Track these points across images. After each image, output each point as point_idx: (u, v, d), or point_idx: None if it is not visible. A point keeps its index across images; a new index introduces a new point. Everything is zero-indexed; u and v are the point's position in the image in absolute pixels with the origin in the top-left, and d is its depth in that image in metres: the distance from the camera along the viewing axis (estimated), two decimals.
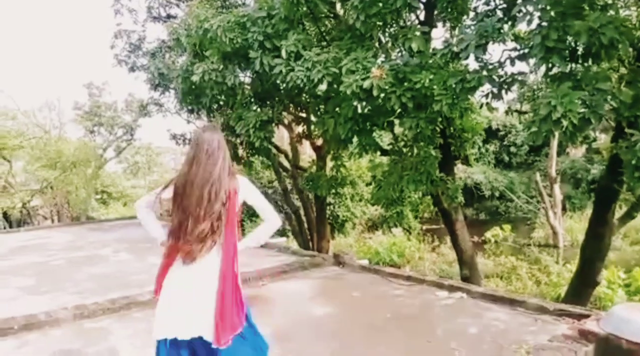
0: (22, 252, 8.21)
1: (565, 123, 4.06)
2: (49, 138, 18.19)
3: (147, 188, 27.76)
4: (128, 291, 4.81)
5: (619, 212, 7.04)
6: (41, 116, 18.92)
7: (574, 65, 4.74)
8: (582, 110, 4.09)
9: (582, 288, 6.96)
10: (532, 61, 4.76)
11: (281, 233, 16.40)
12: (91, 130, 20.06)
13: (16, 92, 43.68)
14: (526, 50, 4.83)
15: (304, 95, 8.52)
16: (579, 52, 4.66)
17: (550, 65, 4.57)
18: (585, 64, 4.70)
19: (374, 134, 7.10)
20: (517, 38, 5.23)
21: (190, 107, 9.71)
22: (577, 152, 21.54)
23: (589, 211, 10.09)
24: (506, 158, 21.71)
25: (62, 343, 3.72)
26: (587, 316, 3.44)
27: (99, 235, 9.91)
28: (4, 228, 16.41)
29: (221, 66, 7.06)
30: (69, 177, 17.28)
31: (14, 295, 5.31)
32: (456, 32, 5.54)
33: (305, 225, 12.58)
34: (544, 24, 4.41)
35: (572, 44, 4.55)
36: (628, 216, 6.59)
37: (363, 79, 5.24)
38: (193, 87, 8.06)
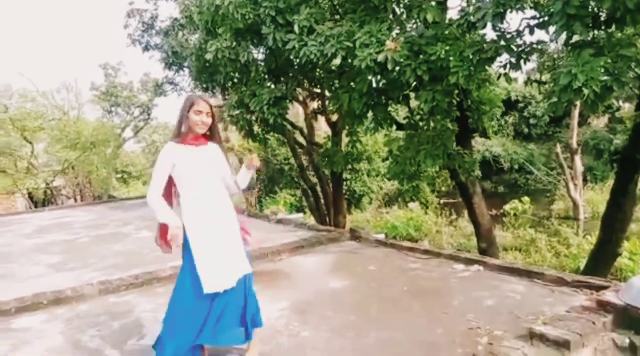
0: (48, 230, 8.46)
1: (586, 92, 3.95)
2: (68, 120, 18.46)
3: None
4: (150, 267, 4.94)
5: None
6: (59, 97, 19.18)
7: (596, 32, 4.58)
8: (605, 78, 3.97)
9: (602, 259, 6.91)
10: (552, 29, 4.60)
11: (298, 209, 16.57)
12: (109, 111, 20.31)
13: (34, 73, 44.21)
14: (546, 18, 4.66)
15: (318, 70, 8.44)
16: (602, 18, 4.49)
17: (571, 33, 4.42)
18: (609, 31, 4.53)
19: (389, 108, 7.02)
20: (536, 5, 5.03)
21: (204, 85, 9.70)
22: (599, 122, 21.01)
23: (610, 182, 9.88)
24: (525, 130, 21.30)
25: (89, 316, 3.86)
26: (606, 287, 3.42)
27: (120, 214, 10.13)
28: (29, 208, 16.88)
29: (234, 43, 7.02)
30: (89, 157, 17.58)
31: (43, 271, 5.50)
32: (473, 0, 5.36)
33: (322, 201, 12.65)
34: None
35: (595, 9, 4.38)
36: None
37: (377, 53, 5.15)
38: (207, 65, 8.06)
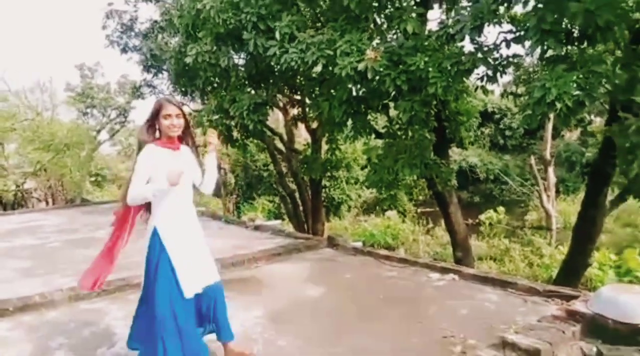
0: (17, 234, 8.20)
1: (559, 105, 4.06)
2: (41, 120, 17.98)
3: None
4: (123, 273, 4.81)
5: (612, 194, 7.10)
6: (33, 98, 18.67)
7: (569, 47, 4.73)
8: (577, 92, 4.09)
9: (573, 269, 7.06)
10: (527, 43, 4.73)
11: (276, 215, 16.50)
12: (84, 112, 19.85)
13: (6, 72, 43.00)
14: (522, 33, 4.80)
15: (299, 77, 8.47)
16: (575, 35, 4.63)
17: (545, 47, 4.55)
18: (581, 47, 4.68)
19: (369, 117, 7.09)
20: (512, 20, 5.20)
21: (183, 89, 9.63)
22: (571, 135, 21.61)
23: (582, 194, 10.18)
24: (501, 142, 21.74)
25: (58, 324, 3.75)
26: (576, 297, 3.50)
27: (93, 218, 9.89)
28: None
29: (214, 47, 6.98)
30: (62, 159, 17.14)
31: (10, 277, 5.32)
32: (452, 13, 5.48)
33: (301, 208, 12.62)
34: (540, 5, 4.38)
35: (568, 26, 4.52)
36: (620, 199, 6.64)
37: (358, 61, 5.20)
38: (186, 68, 7.99)
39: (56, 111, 19.45)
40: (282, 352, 3.10)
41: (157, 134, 2.73)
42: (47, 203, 18.18)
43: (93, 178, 22.99)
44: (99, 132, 20.41)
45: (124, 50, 12.68)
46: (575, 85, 4.08)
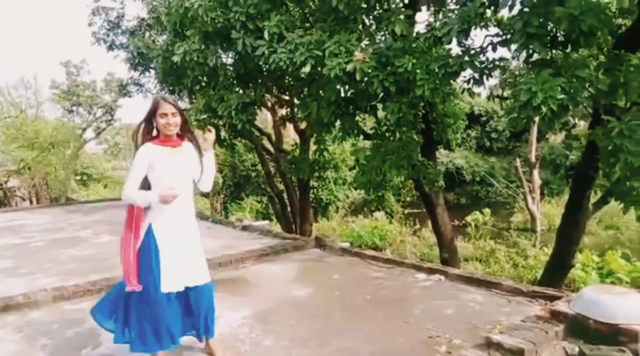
0: (0, 233, 8.06)
1: (544, 109, 4.13)
2: (25, 118, 17.71)
3: (128, 170, 27.38)
4: (109, 273, 4.78)
5: (595, 197, 7.22)
6: (16, 94, 18.39)
7: (554, 51, 4.80)
8: (561, 96, 4.15)
9: (557, 270, 7.16)
10: (513, 47, 4.79)
11: (264, 216, 16.45)
12: (70, 110, 19.61)
13: None
14: (508, 36, 4.85)
15: (287, 77, 8.47)
16: (560, 39, 4.71)
17: (531, 51, 4.62)
18: (565, 51, 4.76)
19: (357, 118, 7.11)
20: (499, 23, 5.25)
21: (171, 88, 9.55)
22: (556, 138, 21.92)
23: (566, 196, 10.32)
24: (487, 144, 21.98)
25: (42, 324, 3.70)
26: (559, 297, 3.55)
27: (79, 217, 9.77)
28: None
29: (203, 46, 6.95)
30: (47, 157, 16.89)
31: None
32: (440, 16, 5.53)
33: (289, 209, 12.62)
34: (526, 9, 4.44)
35: (553, 30, 4.59)
36: (603, 201, 6.75)
37: (346, 62, 5.23)
38: (174, 67, 7.93)
39: (41, 108, 19.21)
40: (268, 352, 3.10)
41: (155, 133, 2.74)
42: (31, 202, 17.90)
43: (78, 177, 22.70)
44: (84, 130, 20.17)
45: (110, 48, 12.54)
46: (560, 89, 4.14)
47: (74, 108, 19.53)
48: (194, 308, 2.85)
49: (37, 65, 41.89)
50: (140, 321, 2.70)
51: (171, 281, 2.70)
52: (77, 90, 19.03)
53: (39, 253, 6.36)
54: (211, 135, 2.91)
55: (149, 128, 2.73)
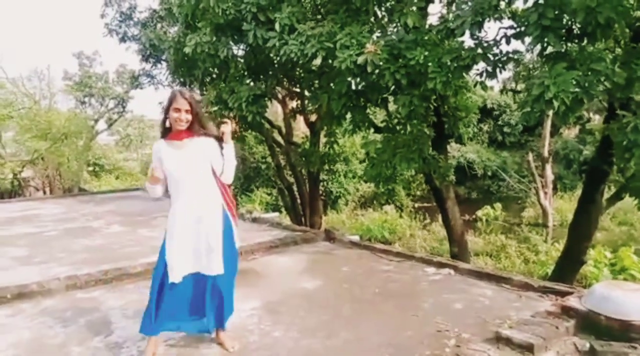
0: (15, 222, 8.19)
1: (557, 103, 4.07)
2: (38, 109, 17.91)
3: (139, 161, 27.61)
4: (120, 263, 4.84)
5: (608, 192, 7.13)
6: (30, 85, 18.60)
7: (569, 44, 4.72)
8: (575, 90, 4.09)
9: (568, 266, 7.11)
10: (527, 40, 4.73)
11: (274, 208, 16.50)
12: (82, 101, 19.78)
13: (3, 59, 42.72)
14: (522, 28, 4.79)
15: (298, 69, 8.44)
16: (575, 32, 4.63)
17: (545, 44, 4.55)
18: (581, 44, 4.68)
19: (368, 111, 7.08)
20: (513, 15, 5.17)
21: (182, 80, 9.58)
22: (570, 133, 21.64)
23: (579, 191, 10.18)
24: (500, 138, 21.74)
25: (55, 312, 3.76)
26: (570, 293, 3.52)
27: (91, 207, 9.89)
28: None
29: (214, 38, 6.95)
30: (60, 148, 17.08)
31: (7, 265, 5.32)
32: (453, 8, 5.46)
33: (298, 201, 12.63)
34: (541, 1, 4.37)
35: (569, 22, 4.52)
36: (616, 197, 6.68)
37: (357, 55, 5.19)
38: (185, 59, 7.95)
39: (54, 100, 19.40)
40: (277, 343, 3.12)
41: (168, 124, 2.80)
42: (44, 192, 18.13)
43: (91, 168, 22.95)
44: (96, 121, 20.36)
45: (122, 39, 12.60)
46: (574, 82, 4.08)
47: (86, 99, 19.71)
48: (206, 297, 2.88)
49: (50, 56, 42.25)
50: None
51: (177, 267, 2.77)
52: (90, 81, 19.18)
53: (52, 243, 6.46)
54: (228, 127, 2.92)
55: (164, 119, 2.83)
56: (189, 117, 2.73)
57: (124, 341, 3.15)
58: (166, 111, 2.78)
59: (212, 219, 2.87)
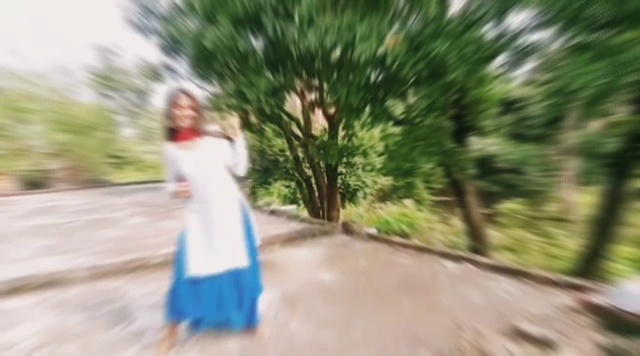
0: (40, 213, 8.41)
1: (582, 95, 3.97)
2: (63, 102, 18.28)
3: (160, 154, 27.97)
4: (141, 253, 4.93)
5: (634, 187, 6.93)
6: (54, 79, 18.96)
7: (595, 35, 4.58)
8: (601, 82, 3.98)
9: (591, 262, 6.96)
10: (552, 30, 4.61)
11: (292, 200, 16.56)
12: (104, 94, 20.11)
13: (28, 54, 43.62)
14: (547, 19, 4.66)
15: (317, 61, 8.39)
16: (602, 21, 4.49)
17: (571, 34, 4.43)
18: (608, 34, 4.54)
19: (387, 103, 7.01)
20: (538, 4, 5.03)
21: (201, 73, 9.63)
22: (594, 126, 21.10)
23: (603, 186, 9.95)
24: (521, 131, 21.32)
25: (78, 301, 3.86)
26: (592, 289, 3.46)
27: (113, 199, 10.09)
28: (21, 190, 16.76)
29: (233, 31, 6.96)
30: (83, 141, 17.45)
31: (33, 254, 5.47)
32: None
33: (316, 194, 12.64)
34: None
35: (596, 12, 4.38)
36: None
37: (377, 46, 5.13)
38: (205, 52, 7.98)
39: (77, 93, 19.74)
40: (294, 334, 3.14)
41: (172, 124, 2.81)
42: (68, 184, 18.54)
43: (113, 161, 23.37)
44: (118, 114, 20.68)
45: (143, 33, 12.71)
46: (600, 74, 3.97)
47: (109, 92, 20.02)
48: (231, 289, 2.92)
49: (72, 49, 42.91)
50: None
51: (196, 265, 2.81)
52: (112, 74, 19.47)
53: (76, 233, 6.61)
54: (235, 120, 2.93)
55: (166, 121, 2.83)
56: (192, 113, 2.77)
57: (145, 330, 3.22)
58: (168, 111, 2.78)
59: (231, 213, 2.91)
